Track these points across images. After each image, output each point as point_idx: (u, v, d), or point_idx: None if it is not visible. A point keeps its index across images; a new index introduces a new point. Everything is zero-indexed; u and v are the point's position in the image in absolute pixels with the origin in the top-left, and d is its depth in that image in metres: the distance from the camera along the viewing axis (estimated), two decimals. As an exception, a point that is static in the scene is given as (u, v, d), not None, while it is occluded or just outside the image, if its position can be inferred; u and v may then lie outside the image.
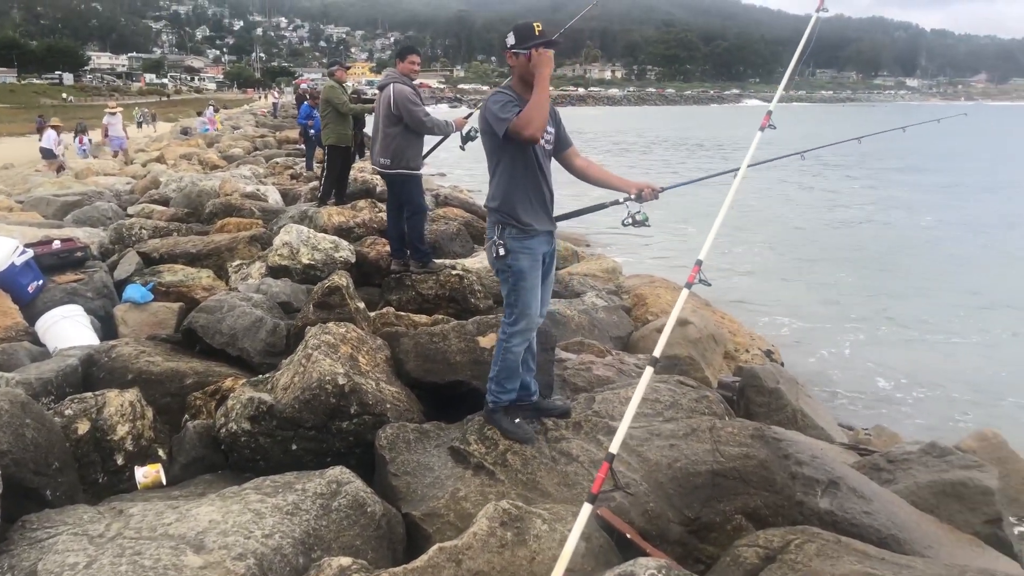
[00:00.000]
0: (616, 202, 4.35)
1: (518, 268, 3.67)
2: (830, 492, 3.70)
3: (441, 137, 6.89)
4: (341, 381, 3.90)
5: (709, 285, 3.30)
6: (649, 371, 3.06)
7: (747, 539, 3.03)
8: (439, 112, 6.72)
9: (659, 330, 6.44)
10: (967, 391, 7.59)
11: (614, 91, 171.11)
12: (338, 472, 3.30)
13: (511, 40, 3.64)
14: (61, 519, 3.04)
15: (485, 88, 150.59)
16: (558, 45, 3.78)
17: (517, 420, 3.80)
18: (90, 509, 3.20)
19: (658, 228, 12.10)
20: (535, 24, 3.64)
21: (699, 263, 3.31)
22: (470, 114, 6.91)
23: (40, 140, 20.21)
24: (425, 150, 6.74)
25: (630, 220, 4.08)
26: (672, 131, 60.45)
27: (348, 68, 11.16)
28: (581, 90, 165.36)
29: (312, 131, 15.32)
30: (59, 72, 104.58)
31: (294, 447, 3.84)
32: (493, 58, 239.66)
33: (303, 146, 18.26)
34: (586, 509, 2.67)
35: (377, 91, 6.57)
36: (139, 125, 39.40)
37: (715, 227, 3.34)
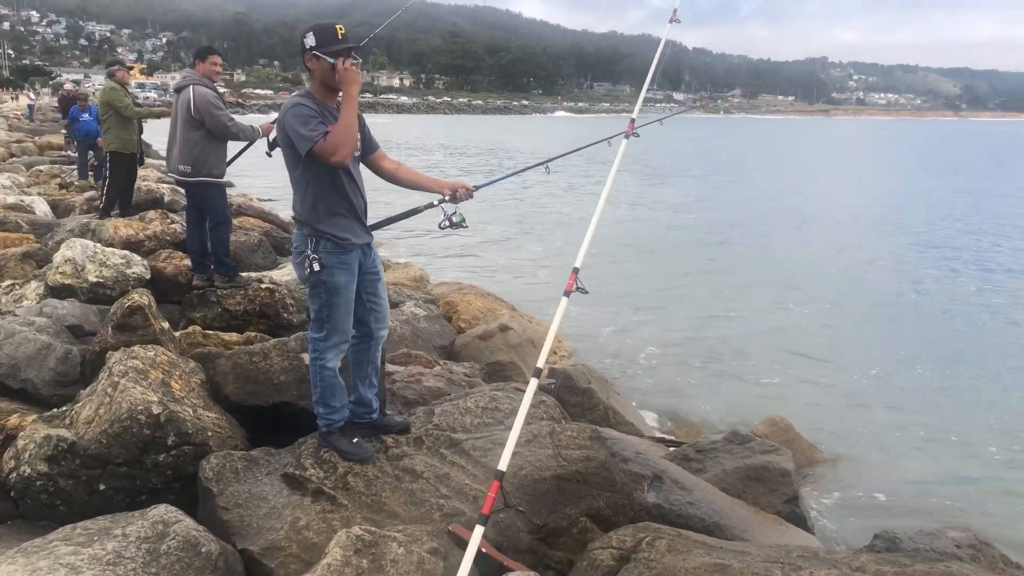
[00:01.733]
0: (431, 205, 4.14)
1: (333, 284, 3.47)
2: (655, 486, 3.88)
3: (246, 143, 6.50)
4: (156, 410, 3.55)
5: (587, 292, 3.24)
6: (534, 383, 3.02)
7: (600, 541, 3.09)
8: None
9: (482, 337, 6.51)
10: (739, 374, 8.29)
11: (404, 99, 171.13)
12: (163, 511, 2.98)
13: (311, 41, 3.40)
14: None
15: (268, 92, 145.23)
16: (361, 52, 3.64)
17: (356, 439, 3.64)
18: None
19: (448, 232, 12.24)
20: (337, 27, 3.44)
21: (576, 271, 3.28)
22: (275, 120, 6.58)
23: None
24: (229, 157, 6.34)
25: (447, 222, 3.93)
26: (479, 138, 61.46)
27: (130, 69, 10.28)
28: (370, 96, 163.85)
29: (78, 136, 14.09)
30: None
31: (102, 487, 3.44)
32: (276, 62, 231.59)
33: (74, 153, 16.62)
34: (478, 531, 2.59)
35: (175, 93, 6.08)
36: None
37: (588, 235, 3.36)
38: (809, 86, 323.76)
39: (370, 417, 3.83)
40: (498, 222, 17.93)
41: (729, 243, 16.82)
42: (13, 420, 3.87)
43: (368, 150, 3.73)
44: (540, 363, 3.07)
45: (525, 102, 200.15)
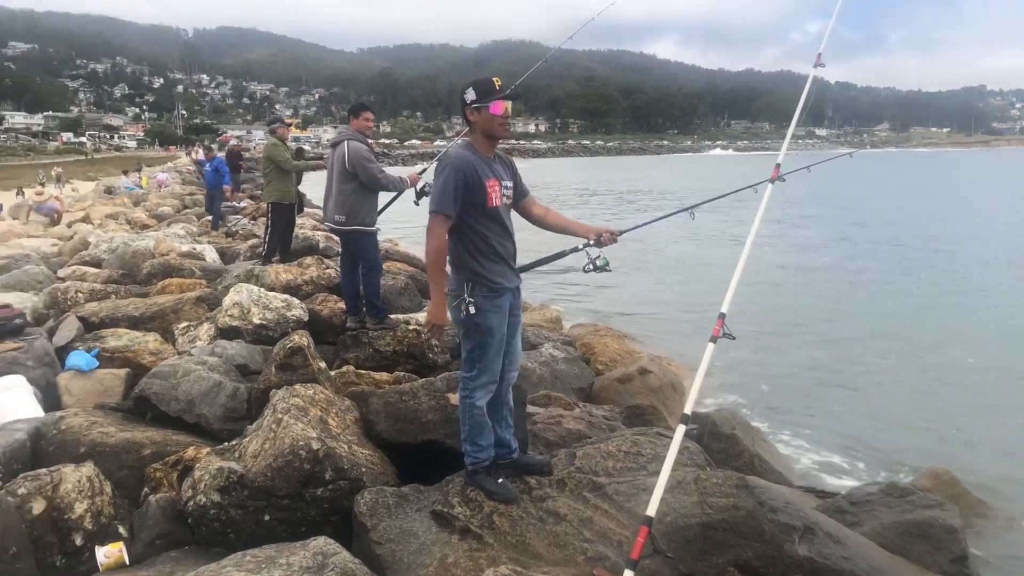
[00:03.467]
0: (576, 249, 4.35)
1: (487, 326, 3.64)
2: (807, 538, 3.71)
3: (396, 193, 6.86)
4: (315, 446, 3.77)
5: (734, 339, 3.24)
6: (682, 429, 3.03)
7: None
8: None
9: (621, 380, 6.49)
10: (901, 429, 7.78)
11: (539, 143, 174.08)
12: (323, 543, 3.16)
13: (471, 95, 3.63)
14: (24, 610, 2.82)
15: (415, 142, 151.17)
16: (516, 99, 3.85)
17: (500, 480, 3.72)
18: (53, 597, 2.99)
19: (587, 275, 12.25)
20: (494, 79, 3.67)
21: (722, 316, 3.30)
22: (424, 170, 6.91)
23: None
24: (380, 206, 6.70)
25: (591, 266, 4.11)
26: (619, 181, 61.43)
27: (290, 126, 11.07)
28: (512, 142, 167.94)
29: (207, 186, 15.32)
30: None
31: (266, 518, 3.68)
32: (418, 113, 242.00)
33: (238, 203, 17.96)
34: (627, 576, 2.59)
35: (330, 148, 6.51)
36: (43, 183, 37.83)
37: (735, 280, 3.36)
38: (966, 116, 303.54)
39: (511, 457, 3.92)
40: (638, 265, 17.82)
41: (880, 283, 15.96)
42: (190, 452, 4.21)
43: (519, 196, 3.92)
44: (687, 409, 3.06)
45: (662, 142, 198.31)
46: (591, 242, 4.09)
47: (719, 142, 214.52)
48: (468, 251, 3.64)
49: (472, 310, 3.59)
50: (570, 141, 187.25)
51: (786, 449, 6.94)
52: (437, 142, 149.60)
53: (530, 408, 5.11)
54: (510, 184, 3.81)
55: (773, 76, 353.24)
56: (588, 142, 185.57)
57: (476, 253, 3.64)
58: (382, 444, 4.39)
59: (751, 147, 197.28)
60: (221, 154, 18.30)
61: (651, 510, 2.82)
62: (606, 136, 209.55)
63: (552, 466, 3.92)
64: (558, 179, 63.66)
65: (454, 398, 4.47)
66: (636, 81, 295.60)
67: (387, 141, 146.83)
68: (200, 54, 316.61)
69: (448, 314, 3.71)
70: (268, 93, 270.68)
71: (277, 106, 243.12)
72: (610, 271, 4.10)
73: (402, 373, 5.78)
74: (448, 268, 3.76)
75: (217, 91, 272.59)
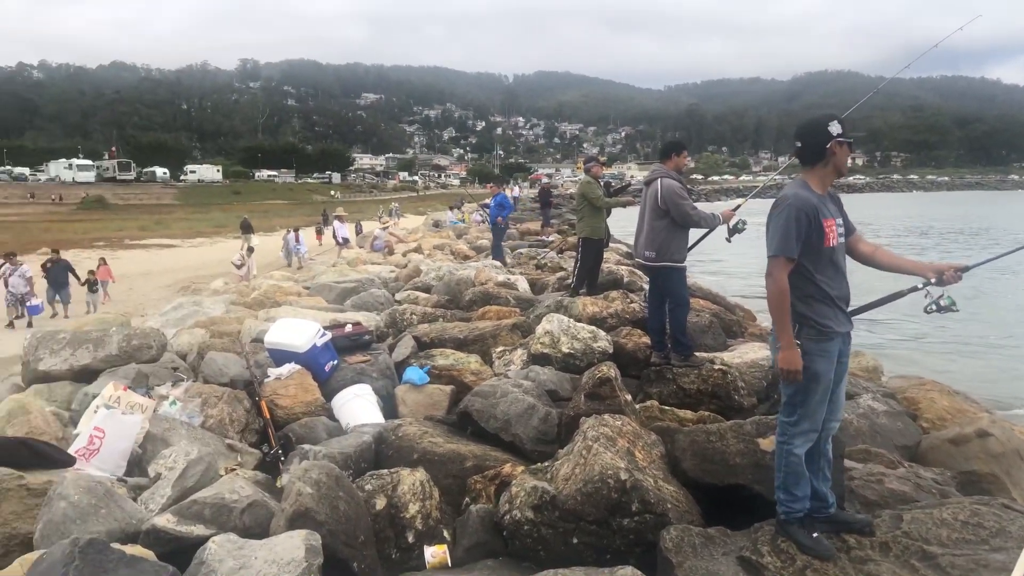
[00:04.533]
0: (915, 288, 4.01)
1: (812, 371, 3.48)
2: None
3: (707, 230, 6.82)
4: (623, 476, 3.85)
5: None
6: None
7: None
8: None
9: (954, 442, 5.81)
10: None
11: (859, 178, 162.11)
12: (629, 572, 3.21)
13: (837, 129, 3.54)
14: (370, 592, 3.19)
15: (729, 177, 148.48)
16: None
17: (815, 534, 3.52)
18: (392, 585, 3.35)
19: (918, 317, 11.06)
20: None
21: None
22: (738, 206, 6.80)
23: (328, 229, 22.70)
24: (690, 243, 6.71)
25: (934, 307, 3.80)
26: (951, 217, 55.30)
27: (603, 164, 11.51)
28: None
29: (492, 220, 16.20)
30: (329, 172, 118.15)
31: (574, 540, 3.82)
32: (724, 148, 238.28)
33: (547, 237, 18.88)
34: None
35: (644, 186, 6.66)
36: (380, 217, 42.92)
37: None
38: None
39: (827, 511, 3.69)
40: (979, 309, 15.82)
41: None
42: (507, 468, 4.51)
43: (847, 233, 3.72)
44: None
45: (1007, 176, 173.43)
46: (932, 280, 3.77)
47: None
48: (796, 292, 3.51)
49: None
50: (894, 176, 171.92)
51: None
52: (742, 177, 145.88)
53: (847, 462, 4.76)
54: (841, 222, 3.64)
55: None
56: (915, 176, 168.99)
57: (805, 295, 3.52)
58: (686, 482, 4.36)
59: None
60: (507, 190, 19.51)
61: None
62: (936, 170, 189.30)
63: (874, 526, 3.62)
64: (875, 215, 58.80)
65: (764, 443, 4.32)
66: (974, 109, 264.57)
67: (695, 176, 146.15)
68: (518, 98, 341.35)
69: (774, 355, 3.61)
70: (577, 132, 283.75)
71: (585, 145, 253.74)
72: (957, 311, 3.77)
73: (706, 413, 5.69)
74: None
75: (531, 132, 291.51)
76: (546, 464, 4.30)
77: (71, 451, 4.43)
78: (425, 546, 3.95)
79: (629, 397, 5.36)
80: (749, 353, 7.02)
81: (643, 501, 3.81)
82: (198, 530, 3.44)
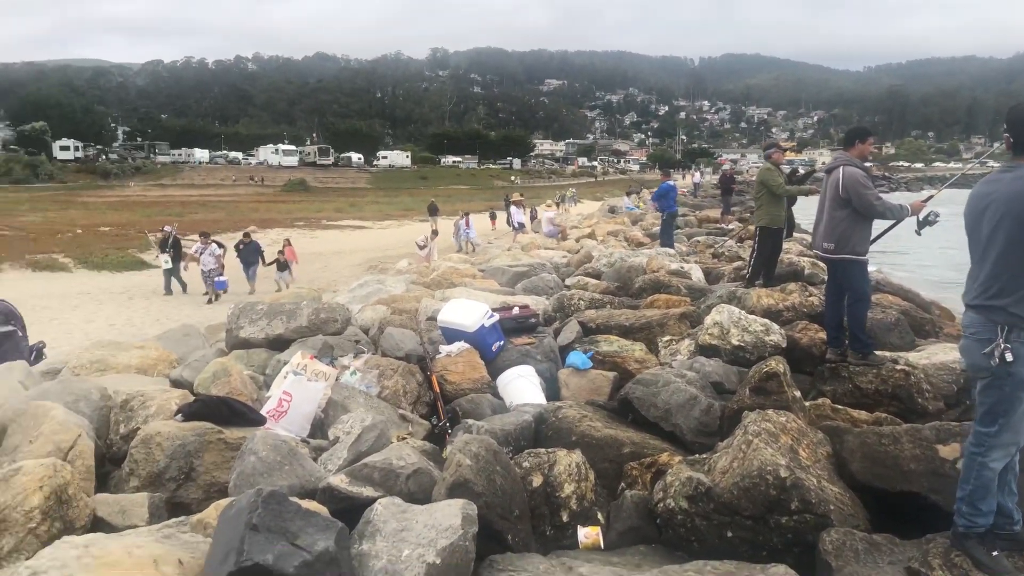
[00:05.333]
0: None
1: (1021, 377, 3.20)
2: None
3: (893, 222, 6.40)
4: (783, 474, 3.74)
5: None
6: None
7: None
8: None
9: None
10: None
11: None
12: (783, 571, 3.14)
13: None
14: (521, 564, 3.33)
15: (919, 165, 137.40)
16: None
17: (995, 552, 3.26)
18: (543, 560, 3.47)
19: None
20: None
21: None
22: (930, 196, 6.33)
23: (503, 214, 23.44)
24: (874, 235, 6.32)
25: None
26: None
27: (786, 151, 11.05)
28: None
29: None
30: (510, 158, 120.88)
31: (729, 534, 3.76)
32: (930, 133, 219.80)
33: (727, 225, 18.38)
34: None
35: (824, 174, 6.35)
36: (560, 203, 43.39)
37: None
38: None
39: (1012, 529, 3.41)
40: None
41: None
42: (664, 457, 4.51)
43: None
44: None
45: None
46: None
47: None
48: (1014, 294, 3.25)
49: (1009, 357, 3.20)
50: None
51: None
52: (951, 164, 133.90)
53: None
54: None
55: None
56: None
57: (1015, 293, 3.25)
58: (854, 485, 4.17)
59: None
60: (689, 176, 19.27)
61: None
62: None
63: (1064, 550, 3.31)
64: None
65: (945, 451, 4.04)
66: None
67: (896, 164, 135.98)
68: (703, 82, 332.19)
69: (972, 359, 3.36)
70: (766, 117, 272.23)
71: (773, 129, 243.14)
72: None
73: (883, 415, 5.37)
74: (971, 309, 3.43)
75: (716, 116, 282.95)
76: (704, 456, 4.26)
77: (263, 412, 4.90)
78: (579, 526, 4.03)
79: (798, 394, 5.16)
80: (939, 354, 6.53)
81: (803, 500, 3.69)
82: (367, 492, 3.70)
